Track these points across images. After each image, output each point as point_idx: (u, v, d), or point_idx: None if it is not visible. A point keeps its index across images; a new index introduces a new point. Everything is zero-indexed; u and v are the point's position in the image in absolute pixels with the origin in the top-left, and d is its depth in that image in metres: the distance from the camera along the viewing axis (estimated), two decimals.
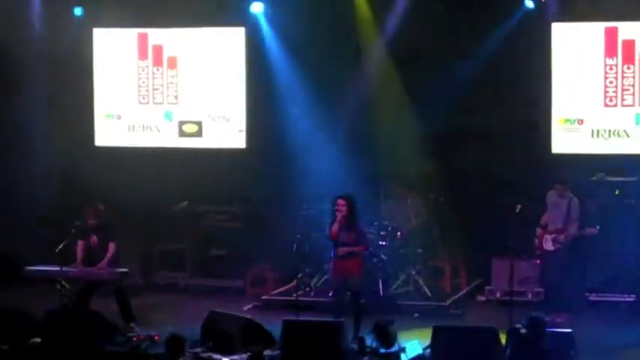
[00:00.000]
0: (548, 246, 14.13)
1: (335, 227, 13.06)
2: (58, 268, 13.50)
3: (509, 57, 14.93)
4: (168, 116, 16.56)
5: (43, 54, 15.96)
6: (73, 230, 13.61)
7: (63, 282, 13.55)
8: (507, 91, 15.07)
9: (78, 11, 16.43)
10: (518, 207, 13.40)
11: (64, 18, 16.25)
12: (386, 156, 15.54)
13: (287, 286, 15.18)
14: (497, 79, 15.08)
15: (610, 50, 14.88)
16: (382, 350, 12.13)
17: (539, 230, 14.14)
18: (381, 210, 15.46)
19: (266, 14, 15.92)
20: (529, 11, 15.03)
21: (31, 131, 15.84)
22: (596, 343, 12.26)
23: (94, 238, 13.60)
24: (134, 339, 12.73)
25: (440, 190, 15.53)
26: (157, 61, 16.54)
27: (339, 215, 13.03)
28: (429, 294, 14.81)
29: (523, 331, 11.30)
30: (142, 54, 16.58)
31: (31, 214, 15.58)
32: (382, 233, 14.92)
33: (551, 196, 14.22)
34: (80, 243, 13.65)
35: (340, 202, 13.04)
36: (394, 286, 14.93)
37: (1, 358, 11.51)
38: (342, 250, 13.11)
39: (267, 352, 11.75)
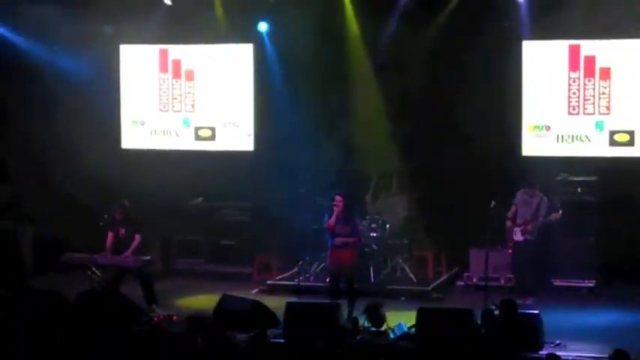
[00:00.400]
0: (518, 237, 14.13)
1: (332, 220, 13.08)
2: (89, 256, 13.57)
3: (485, 70, 14.87)
4: (185, 122, 16.55)
5: (76, 68, 15.91)
6: (102, 223, 13.67)
7: (93, 268, 13.57)
8: (483, 100, 14.95)
9: (107, 30, 16.41)
10: (493, 203, 13.42)
11: (95, 35, 16.22)
12: (378, 157, 15.54)
13: (289, 272, 15.13)
14: (475, 89, 15.00)
15: (573, 65, 14.85)
16: (373, 329, 12.20)
17: (508, 223, 14.15)
18: (372, 205, 15.48)
19: (270, 33, 15.91)
20: (503, 31, 14.94)
21: (66, 136, 15.80)
22: (560, 322, 12.25)
23: (122, 231, 13.63)
24: (155, 319, 12.76)
25: (424, 188, 15.52)
26: (176, 74, 16.53)
27: (336, 210, 13.05)
28: (414, 280, 14.80)
29: (496, 312, 11.37)
30: (163, 67, 16.57)
31: (67, 208, 15.56)
32: (373, 226, 14.92)
33: (521, 195, 14.22)
34: (109, 234, 13.69)
35: (337, 198, 13.08)
36: (383, 273, 14.90)
37: (39, 335, 11.49)
38: (338, 240, 13.13)
39: (271, 331, 11.77)
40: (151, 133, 16.70)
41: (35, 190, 15.44)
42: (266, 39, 15.97)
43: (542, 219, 14.08)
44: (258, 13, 15.65)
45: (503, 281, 14.58)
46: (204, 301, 13.84)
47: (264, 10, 15.47)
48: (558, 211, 14.18)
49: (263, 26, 15.86)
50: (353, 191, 14.50)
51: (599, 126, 14.81)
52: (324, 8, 15.13)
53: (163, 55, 16.54)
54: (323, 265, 14.59)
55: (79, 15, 15.46)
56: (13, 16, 14.82)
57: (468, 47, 14.94)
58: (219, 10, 15.66)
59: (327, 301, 12.75)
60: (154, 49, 16.54)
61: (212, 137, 16.42)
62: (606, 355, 9.63)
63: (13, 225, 15.13)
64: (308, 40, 15.46)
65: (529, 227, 14.01)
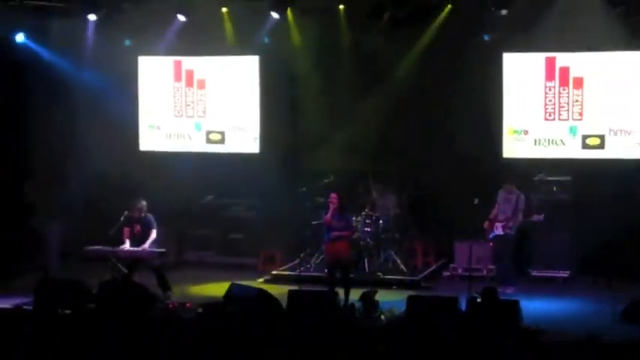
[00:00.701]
0: (499, 231, 14.10)
1: (328, 216, 13.10)
2: (110, 249, 13.57)
3: (469, 80, 14.83)
4: (197, 127, 16.53)
5: (98, 77, 15.91)
6: (122, 219, 13.67)
7: (113, 260, 13.59)
8: (468, 106, 14.94)
9: (127, 42, 16.42)
10: (476, 201, 13.44)
11: (116, 48, 16.23)
12: (371, 158, 15.54)
13: (292, 264, 15.13)
14: (460, 97, 14.99)
15: (549, 75, 14.82)
16: (367, 314, 12.22)
17: (486, 223, 14.10)
18: (367, 202, 15.48)
19: (274, 46, 15.88)
20: (486, 44, 14.95)
21: (88, 139, 15.82)
22: (538, 310, 12.29)
23: (137, 227, 13.64)
24: (170, 306, 12.76)
25: (414, 187, 15.53)
26: (189, 83, 16.51)
27: (331, 206, 13.09)
28: (405, 270, 14.80)
29: (479, 299, 11.38)
30: (177, 77, 16.55)
31: (89, 205, 15.57)
32: (367, 221, 14.92)
33: (501, 194, 14.23)
34: (127, 229, 13.70)
35: (333, 196, 13.12)
36: (377, 264, 14.90)
37: (63, 321, 11.51)
38: (334, 234, 13.13)
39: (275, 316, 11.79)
40: (167, 137, 16.68)
41: (61, 188, 15.43)
42: (269, 52, 15.92)
43: (521, 214, 14.09)
44: (263, 28, 15.61)
45: (485, 272, 14.58)
46: (214, 289, 13.84)
47: (268, 25, 15.43)
48: (540, 214, 14.19)
49: (266, 40, 15.81)
50: (347, 190, 14.53)
51: (572, 131, 14.79)
52: (322, 24, 15.12)
53: (177, 65, 16.53)
54: (322, 257, 14.56)
55: (102, 29, 15.47)
56: (41, 30, 14.81)
57: (453, 59, 14.94)
58: (227, 25, 15.65)
59: (325, 289, 12.78)
60: (169, 60, 16.53)
61: (222, 140, 16.40)
62: (579, 339, 9.63)
63: (42, 221, 15.13)
64: (307, 52, 15.50)
65: (510, 224, 14.02)
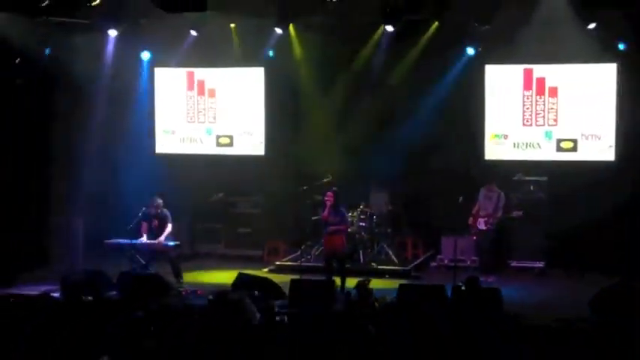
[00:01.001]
0: (482, 226, 14.16)
1: (325, 212, 13.20)
2: (129, 241, 13.59)
3: (455, 89, 14.91)
4: (208, 132, 16.53)
5: (119, 86, 15.90)
6: (139, 214, 13.70)
7: (132, 251, 13.63)
8: (453, 113, 14.97)
9: (145, 55, 16.43)
10: (460, 199, 13.48)
11: (134, 60, 16.26)
12: (366, 160, 15.52)
13: (293, 255, 15.15)
14: (446, 105, 14.98)
15: (527, 85, 14.85)
16: (362, 301, 12.24)
17: (470, 219, 14.13)
18: (362, 198, 15.50)
19: (277, 58, 15.91)
20: (470, 57, 14.97)
21: (110, 143, 15.80)
22: (516, 297, 12.33)
23: (155, 222, 13.67)
24: (183, 293, 12.79)
25: (405, 186, 15.54)
26: (201, 92, 16.52)
27: (328, 204, 13.15)
28: (396, 261, 14.83)
29: (463, 287, 11.38)
30: (190, 86, 16.57)
31: (110, 202, 15.58)
32: (362, 217, 14.94)
33: (482, 191, 14.27)
34: (144, 224, 13.73)
35: (329, 194, 13.27)
36: (371, 255, 14.94)
37: (86, 307, 11.52)
38: (331, 228, 13.23)
39: (278, 302, 11.79)
40: (180, 141, 16.68)
41: (84, 187, 15.44)
42: (273, 64, 15.93)
43: (502, 211, 14.12)
44: (268, 42, 15.62)
45: (468, 262, 14.65)
46: (224, 278, 13.85)
47: (272, 40, 15.44)
48: (520, 211, 14.22)
49: (271, 53, 15.82)
50: (344, 189, 14.52)
51: (548, 135, 14.81)
52: (321, 38, 15.12)
53: (190, 76, 16.54)
54: (321, 249, 14.60)
55: (121, 43, 15.47)
56: (66, 44, 14.80)
57: (440, 70, 14.98)
58: (236, 40, 15.63)
59: (324, 278, 12.80)
60: (183, 71, 16.54)
61: (230, 144, 16.40)
62: (552, 324, 9.65)
63: (67, 217, 15.14)
64: (308, 63, 15.50)
65: (491, 220, 14.04)
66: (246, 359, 7.82)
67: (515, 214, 14.23)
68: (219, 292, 10.85)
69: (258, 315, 10.45)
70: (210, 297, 11.37)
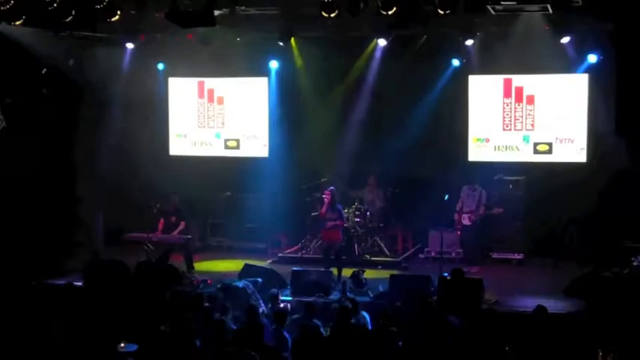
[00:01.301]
0: (466, 221, 14.19)
1: (323, 209, 13.25)
2: (146, 235, 13.61)
3: (441, 97, 14.91)
4: (217, 136, 16.53)
5: (137, 94, 15.87)
6: (155, 211, 13.73)
7: (149, 244, 13.65)
8: (440, 119, 14.98)
9: (160, 66, 16.43)
10: (446, 197, 13.52)
11: (150, 70, 16.25)
12: (361, 161, 15.52)
13: (295, 248, 15.17)
14: (433, 111, 14.97)
15: (507, 93, 14.84)
16: (356, 289, 12.28)
17: (456, 215, 14.17)
18: (357, 196, 15.50)
19: (280, 69, 15.92)
20: (455, 68, 14.93)
21: (127, 146, 15.77)
22: (497, 286, 12.32)
23: (173, 218, 13.74)
24: (194, 282, 12.82)
25: (396, 185, 15.54)
26: (210, 99, 16.51)
27: (325, 201, 13.19)
28: (388, 253, 14.82)
29: (449, 278, 11.42)
30: (200, 94, 16.56)
31: (128, 200, 15.57)
32: (357, 213, 14.93)
33: (465, 190, 14.29)
34: (161, 220, 13.77)
35: (326, 192, 13.34)
36: (364, 248, 14.90)
37: (106, 294, 11.50)
38: (329, 224, 13.28)
39: (280, 291, 11.83)
40: (192, 144, 16.67)
41: (105, 186, 15.44)
42: (276, 73, 15.95)
43: (484, 208, 14.15)
44: (271, 54, 15.63)
45: (454, 255, 14.62)
46: (231, 268, 13.88)
47: (275, 52, 15.45)
48: (501, 208, 14.24)
49: (274, 64, 15.84)
50: (340, 187, 14.56)
51: (525, 139, 14.81)
52: (320, 50, 15.12)
53: (201, 85, 16.54)
54: (319, 242, 14.63)
55: (138, 55, 15.48)
56: (87, 56, 14.80)
57: (428, 80, 14.97)
58: (242, 52, 15.62)
59: (322, 269, 12.81)
60: (194, 80, 16.53)
61: (237, 147, 16.38)
62: (530, 309, 9.68)
63: (89, 212, 15.13)
64: (308, 74, 15.49)
65: (474, 216, 14.07)
66: None
67: (496, 210, 14.30)
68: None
69: (262, 306, 10.52)
70: (219, 286, 11.44)
